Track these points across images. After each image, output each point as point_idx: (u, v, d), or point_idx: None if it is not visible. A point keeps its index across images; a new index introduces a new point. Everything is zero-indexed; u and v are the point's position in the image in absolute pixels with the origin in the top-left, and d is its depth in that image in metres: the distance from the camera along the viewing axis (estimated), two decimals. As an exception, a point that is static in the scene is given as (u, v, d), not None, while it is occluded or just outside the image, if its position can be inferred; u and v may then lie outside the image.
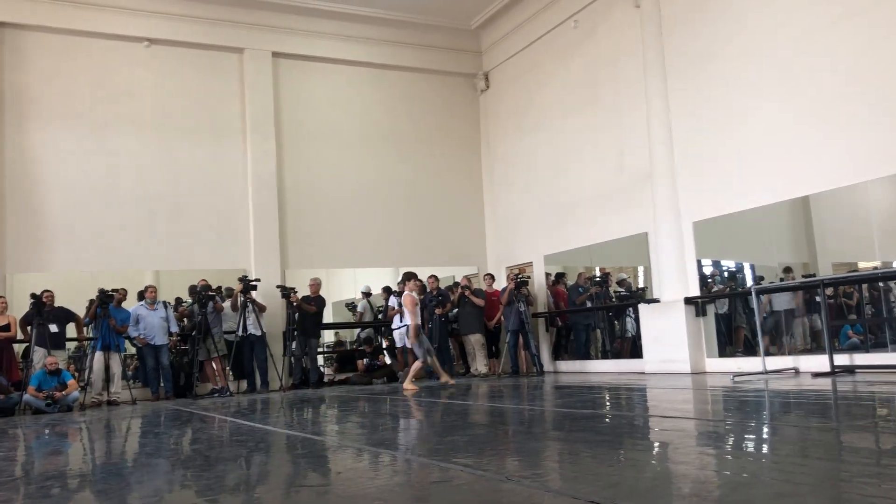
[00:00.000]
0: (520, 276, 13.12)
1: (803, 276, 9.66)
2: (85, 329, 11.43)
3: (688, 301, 10.72)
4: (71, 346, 11.76)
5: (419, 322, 10.14)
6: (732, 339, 10.74)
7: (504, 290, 13.09)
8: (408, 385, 10.21)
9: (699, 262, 10.96)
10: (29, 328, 10.68)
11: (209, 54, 13.57)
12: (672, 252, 11.15)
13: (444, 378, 9.81)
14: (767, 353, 9.52)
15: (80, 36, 12.67)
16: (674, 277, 11.08)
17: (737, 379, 8.59)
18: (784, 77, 9.71)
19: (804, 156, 9.40)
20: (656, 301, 11.27)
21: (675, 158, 11.21)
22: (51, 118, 12.39)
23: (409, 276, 10.63)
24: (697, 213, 10.89)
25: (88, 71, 12.74)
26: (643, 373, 11.01)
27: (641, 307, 11.44)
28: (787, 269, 9.95)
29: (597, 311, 13.15)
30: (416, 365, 10.50)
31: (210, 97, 13.54)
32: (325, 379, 13.35)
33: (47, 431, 7.69)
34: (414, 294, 10.45)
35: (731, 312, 10.81)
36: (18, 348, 11.19)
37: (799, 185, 9.48)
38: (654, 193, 11.39)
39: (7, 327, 10.82)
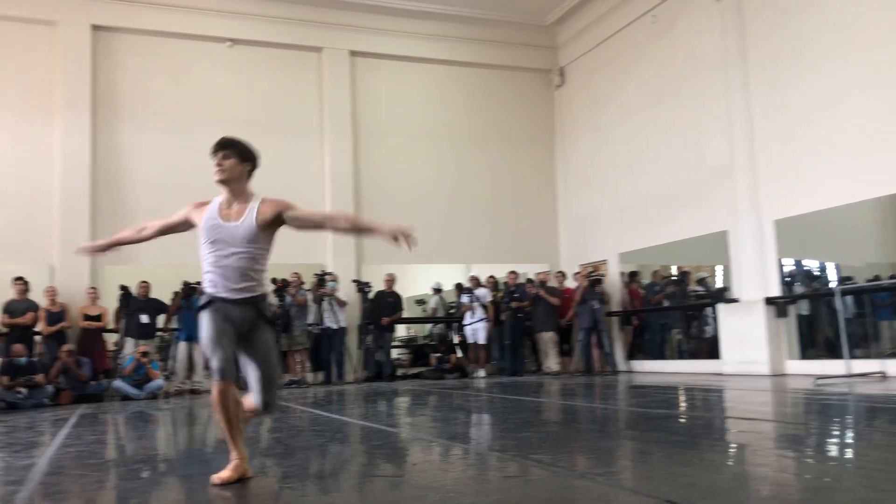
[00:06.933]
0: (593, 273, 12.99)
1: (890, 277, 9.29)
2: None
3: (769, 301, 10.43)
4: (158, 336, 12.22)
5: None
6: (815, 342, 10.40)
7: (578, 287, 12.99)
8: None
9: (780, 261, 10.65)
10: (121, 318, 11.20)
11: (289, 53, 13.88)
12: (752, 251, 10.86)
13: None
14: (852, 357, 9.19)
15: (167, 37, 13.14)
16: (754, 277, 10.80)
17: (819, 382, 8.32)
18: (871, 71, 9.33)
19: (893, 151, 9.02)
20: (735, 301, 11.01)
21: (756, 154, 10.91)
22: (139, 116, 12.88)
23: None
24: (779, 210, 10.57)
25: (174, 70, 13.19)
26: (721, 374, 10.77)
27: (720, 307, 11.19)
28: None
29: (673, 310, 12.92)
30: None
31: (289, 95, 13.85)
32: (398, 372, 13.52)
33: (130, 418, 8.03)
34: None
35: (813, 314, 10.47)
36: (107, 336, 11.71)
37: (887, 182, 9.10)
38: (735, 191, 11.11)
39: (99, 317, 11.35)
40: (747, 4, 11.11)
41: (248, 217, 3.79)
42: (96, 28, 12.70)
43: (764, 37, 10.85)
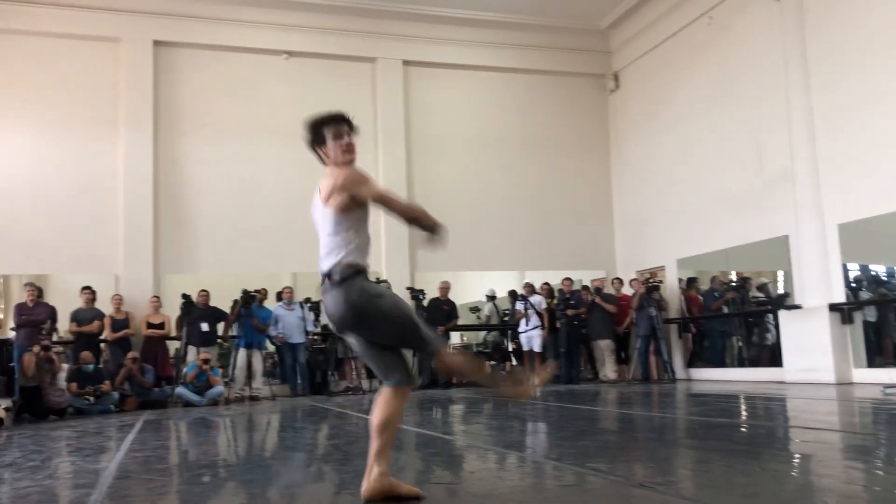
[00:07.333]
0: (650, 280, 12.81)
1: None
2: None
3: (833, 308, 10.13)
4: (218, 343, 12.47)
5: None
6: (883, 349, 10.07)
7: (634, 294, 12.82)
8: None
9: (845, 266, 10.34)
10: (183, 326, 11.47)
11: (343, 64, 14.06)
12: (815, 256, 10.57)
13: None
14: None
15: (226, 51, 13.46)
16: (817, 283, 10.51)
17: (888, 391, 8.05)
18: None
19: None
20: (797, 307, 10.73)
21: (817, 156, 10.62)
22: (199, 129, 13.20)
23: None
24: (843, 214, 10.27)
25: (233, 83, 13.49)
26: (783, 382, 10.51)
27: (782, 314, 10.92)
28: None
29: (733, 317, 12.65)
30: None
31: (344, 105, 13.61)
32: (453, 380, 13.51)
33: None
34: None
35: (880, 320, 10.13)
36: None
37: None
38: (796, 194, 10.84)
39: (161, 325, 11.65)
40: (809, 2, 10.85)
41: None
42: (158, 44, 13.07)
43: (824, 34, 10.58)
